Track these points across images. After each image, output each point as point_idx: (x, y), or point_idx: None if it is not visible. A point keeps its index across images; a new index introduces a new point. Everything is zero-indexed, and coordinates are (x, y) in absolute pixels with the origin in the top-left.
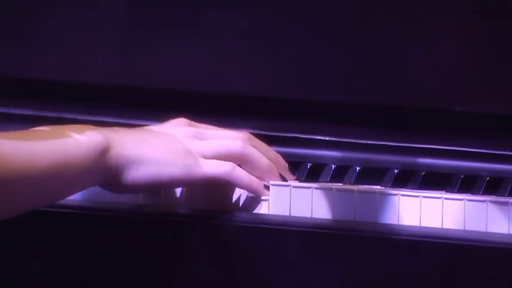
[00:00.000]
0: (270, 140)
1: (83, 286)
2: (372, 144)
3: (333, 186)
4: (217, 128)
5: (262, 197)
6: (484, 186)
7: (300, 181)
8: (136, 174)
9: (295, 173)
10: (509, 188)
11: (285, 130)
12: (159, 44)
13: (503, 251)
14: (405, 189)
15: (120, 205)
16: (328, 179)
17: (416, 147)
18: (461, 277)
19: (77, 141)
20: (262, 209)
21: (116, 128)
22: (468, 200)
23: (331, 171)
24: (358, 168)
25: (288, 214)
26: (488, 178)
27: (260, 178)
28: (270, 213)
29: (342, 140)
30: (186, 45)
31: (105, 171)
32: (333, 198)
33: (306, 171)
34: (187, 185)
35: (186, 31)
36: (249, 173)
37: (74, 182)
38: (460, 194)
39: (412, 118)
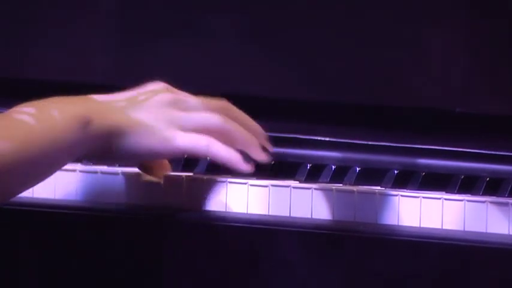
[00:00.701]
0: (270, 141)
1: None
2: (371, 145)
3: (333, 187)
4: (194, 96)
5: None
6: (484, 187)
7: (300, 182)
8: (118, 144)
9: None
10: (509, 188)
11: (284, 131)
12: (156, 45)
13: (503, 251)
14: (405, 190)
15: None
16: (328, 179)
17: (416, 147)
18: (461, 278)
19: (62, 118)
20: (263, 209)
21: (95, 97)
22: (468, 201)
23: (331, 172)
24: (358, 169)
25: (288, 215)
26: (488, 179)
27: (240, 149)
28: (270, 214)
29: (342, 140)
30: (186, 46)
31: (89, 143)
32: (332, 199)
33: (306, 172)
34: (165, 157)
35: (184, 32)
36: (229, 145)
37: (61, 157)
38: (460, 195)
39: (412, 119)
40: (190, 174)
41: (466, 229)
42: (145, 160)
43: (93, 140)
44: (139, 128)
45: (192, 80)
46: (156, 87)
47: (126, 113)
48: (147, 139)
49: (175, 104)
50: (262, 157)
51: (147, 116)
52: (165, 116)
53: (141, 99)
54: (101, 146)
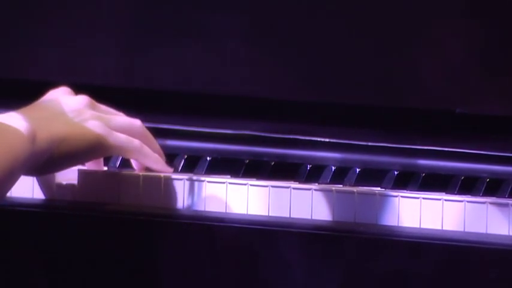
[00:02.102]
0: (271, 142)
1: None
2: (371, 145)
3: (333, 188)
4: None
5: (167, 174)
6: (484, 188)
7: (300, 182)
8: (60, 151)
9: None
10: (509, 189)
11: (284, 132)
12: (159, 46)
13: (503, 252)
14: (405, 191)
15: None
16: (328, 180)
17: (416, 148)
18: (462, 278)
19: (16, 132)
20: (262, 210)
21: (30, 111)
22: (468, 202)
23: (331, 172)
24: (358, 170)
25: (288, 216)
26: (488, 179)
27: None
28: (270, 214)
29: (342, 141)
30: (187, 47)
31: (36, 156)
32: (333, 199)
33: (306, 172)
34: (101, 155)
35: (185, 33)
36: None
37: (15, 173)
38: (460, 196)
39: (412, 119)
40: (190, 175)
41: (466, 230)
42: (85, 162)
43: (41, 152)
44: (77, 131)
45: (192, 81)
46: (63, 91)
47: (63, 120)
48: (85, 141)
49: (92, 108)
50: (168, 169)
51: (80, 118)
52: (94, 117)
53: (68, 106)
54: (47, 158)
